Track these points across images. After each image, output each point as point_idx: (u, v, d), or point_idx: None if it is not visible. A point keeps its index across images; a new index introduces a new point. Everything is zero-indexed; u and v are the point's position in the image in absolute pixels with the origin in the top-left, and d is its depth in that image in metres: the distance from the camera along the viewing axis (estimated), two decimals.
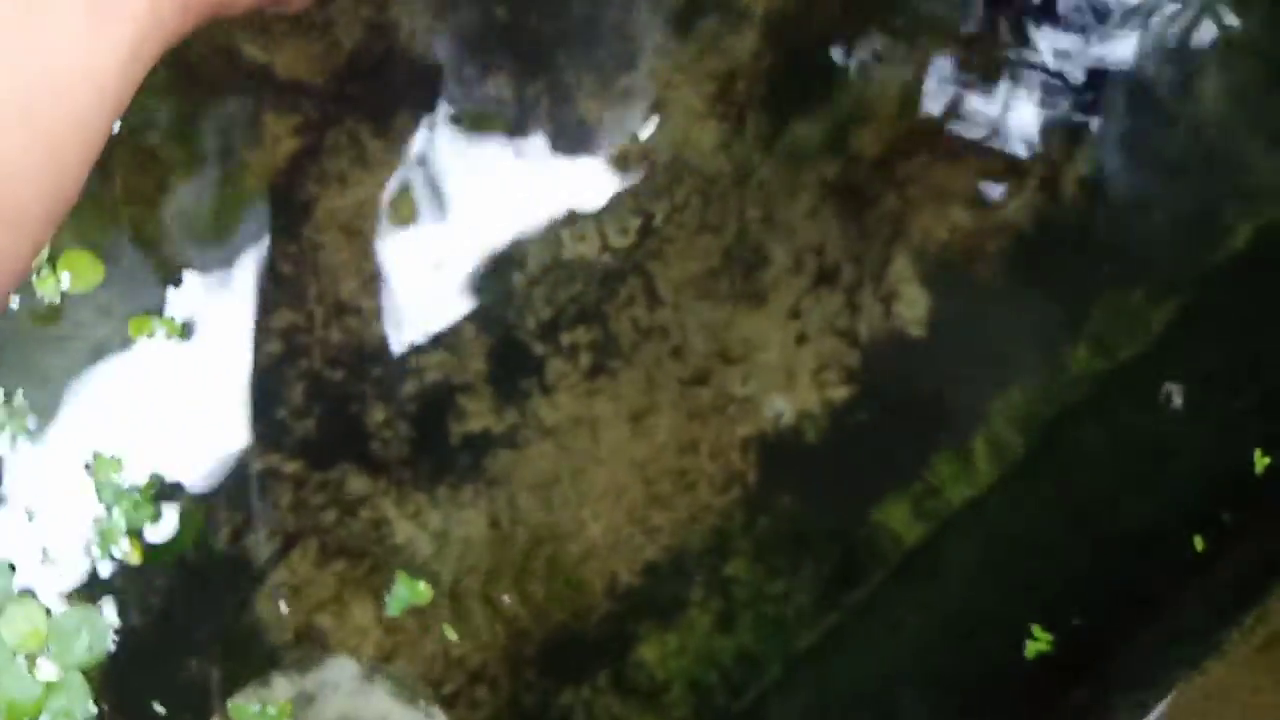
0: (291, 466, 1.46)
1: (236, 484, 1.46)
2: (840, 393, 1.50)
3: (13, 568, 1.42)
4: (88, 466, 1.46)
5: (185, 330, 1.47)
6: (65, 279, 1.45)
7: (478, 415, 1.48)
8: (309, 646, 1.43)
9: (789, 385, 1.51)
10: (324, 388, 1.47)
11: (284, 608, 1.44)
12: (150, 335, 1.46)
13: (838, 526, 1.47)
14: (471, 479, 1.47)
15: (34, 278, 1.45)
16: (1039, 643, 1.45)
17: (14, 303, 1.45)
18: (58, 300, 1.46)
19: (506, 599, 1.43)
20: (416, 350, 1.49)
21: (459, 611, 1.45)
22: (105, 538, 1.44)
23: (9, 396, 1.45)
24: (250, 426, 1.45)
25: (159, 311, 1.47)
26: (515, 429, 1.48)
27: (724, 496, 1.48)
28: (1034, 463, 1.46)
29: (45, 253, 1.44)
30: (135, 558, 1.45)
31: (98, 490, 1.45)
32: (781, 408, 1.50)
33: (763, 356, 1.52)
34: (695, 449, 1.49)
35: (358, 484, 1.46)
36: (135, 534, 1.45)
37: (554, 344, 1.49)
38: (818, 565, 1.45)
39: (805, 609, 1.44)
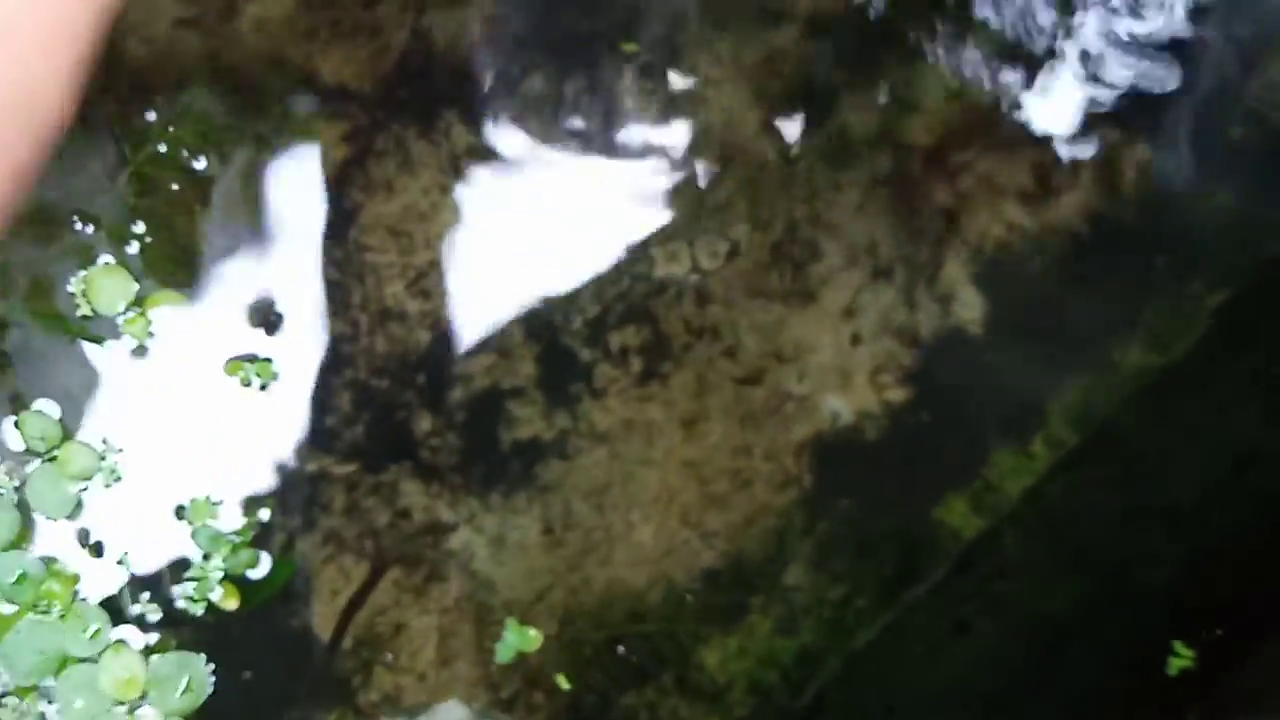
0: (343, 469, 1.45)
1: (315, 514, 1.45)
2: (898, 394, 1.48)
3: (109, 615, 1.38)
4: (181, 510, 1.42)
5: (275, 373, 1.44)
6: (154, 319, 1.43)
7: (528, 422, 1.46)
8: (369, 654, 1.42)
9: (845, 386, 1.49)
10: (371, 396, 1.46)
11: (389, 658, 1.44)
12: (244, 378, 1.43)
13: (897, 527, 1.45)
14: (524, 486, 1.45)
15: (121, 320, 1.42)
16: (1182, 659, 1.42)
17: (105, 345, 1.42)
18: (147, 341, 1.43)
19: (621, 649, 1.44)
20: (464, 356, 1.47)
21: (517, 616, 1.44)
22: (201, 584, 1.40)
23: (100, 440, 1.41)
24: (305, 436, 1.44)
25: (244, 352, 1.43)
26: (566, 435, 1.46)
27: (781, 497, 1.46)
28: (1090, 458, 1.45)
29: (134, 293, 1.43)
30: (232, 602, 1.41)
31: (194, 535, 1.41)
32: (839, 408, 1.49)
33: (817, 357, 1.50)
34: (749, 451, 1.47)
35: (410, 488, 1.45)
36: (232, 579, 1.41)
37: (603, 347, 1.48)
38: (878, 566, 1.43)
39: (865, 608, 1.43)
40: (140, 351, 1.44)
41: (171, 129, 1.44)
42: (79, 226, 1.42)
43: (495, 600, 1.44)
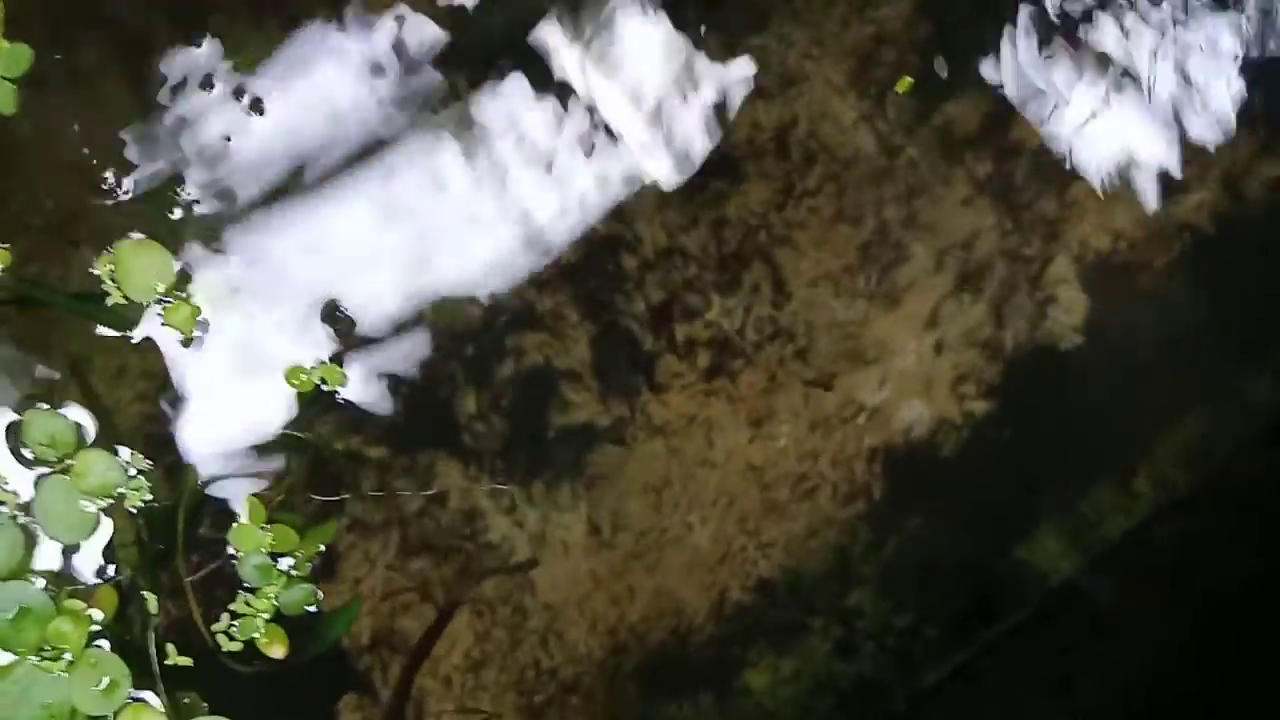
0: (376, 451, 1.34)
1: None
2: (981, 406, 1.36)
3: (129, 665, 1.17)
4: (225, 535, 1.25)
5: (346, 378, 1.29)
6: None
7: (581, 407, 1.35)
8: (386, 651, 1.32)
9: (924, 394, 1.37)
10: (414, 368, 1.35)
11: None
12: (305, 383, 1.26)
13: (974, 556, 1.34)
14: (571, 477, 1.35)
15: (159, 308, 1.24)
16: None
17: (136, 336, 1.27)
18: (193, 332, 1.25)
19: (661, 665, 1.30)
20: (516, 329, 1.36)
21: (554, 621, 1.34)
22: (245, 623, 1.23)
23: (132, 461, 1.22)
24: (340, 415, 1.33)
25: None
26: (622, 424, 1.35)
27: (847, 510, 1.35)
28: (1206, 502, 1.32)
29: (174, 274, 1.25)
30: (279, 649, 1.24)
31: (240, 565, 1.23)
32: (914, 418, 1.38)
33: (896, 363, 1.38)
34: (816, 457, 1.36)
35: (448, 471, 1.35)
36: (282, 619, 1.24)
37: (668, 338, 1.37)
38: (951, 598, 1.32)
39: (935, 642, 1.32)
40: (186, 344, 1.25)
41: None
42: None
43: (533, 603, 1.34)
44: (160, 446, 1.26)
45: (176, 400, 1.27)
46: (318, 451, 1.30)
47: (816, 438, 1.36)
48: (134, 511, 1.23)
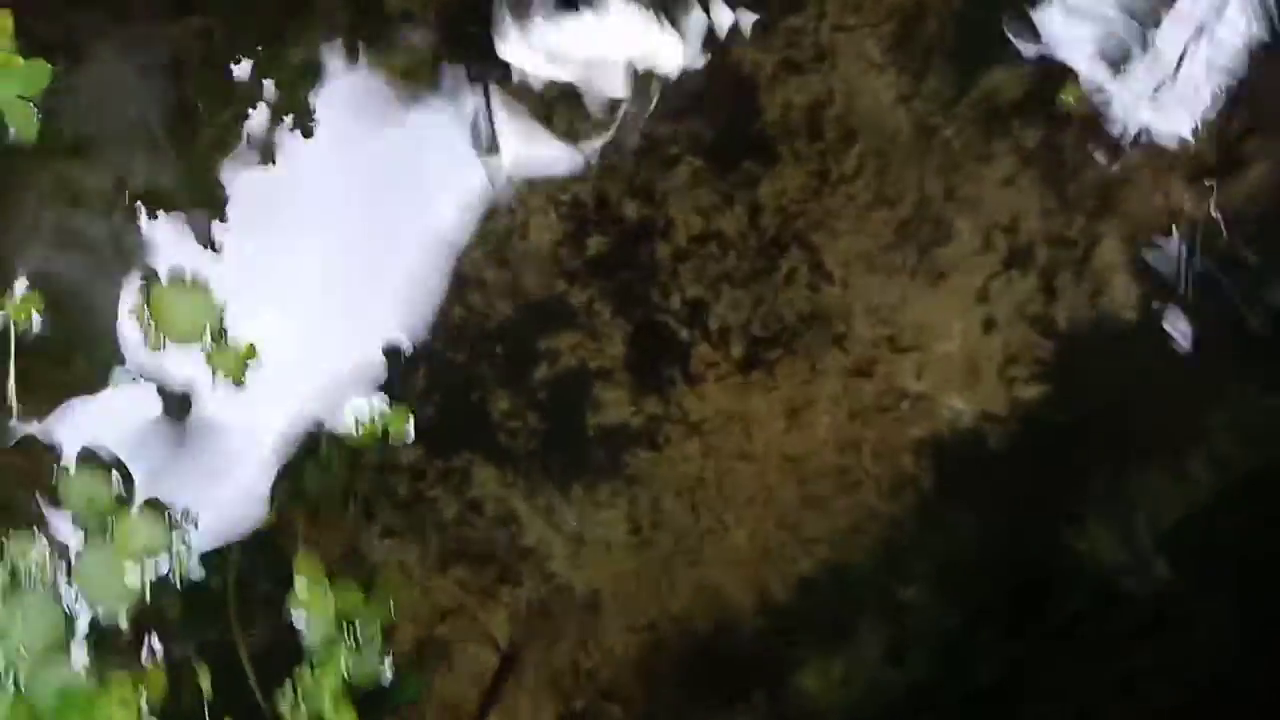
0: (410, 455, 1.31)
1: None
2: (1031, 391, 1.31)
3: None
4: (284, 596, 1.18)
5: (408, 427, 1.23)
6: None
7: (615, 405, 1.32)
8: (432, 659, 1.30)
9: (971, 380, 1.32)
10: (445, 371, 1.32)
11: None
12: (370, 433, 1.20)
13: (1026, 549, 1.29)
14: (609, 476, 1.31)
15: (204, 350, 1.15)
16: None
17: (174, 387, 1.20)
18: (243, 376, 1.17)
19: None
20: (548, 330, 1.32)
21: (592, 623, 1.31)
22: (311, 696, 1.13)
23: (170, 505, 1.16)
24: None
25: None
26: (657, 422, 1.32)
27: (893, 503, 1.31)
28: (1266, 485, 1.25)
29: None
30: None
31: (303, 633, 1.16)
32: (961, 406, 1.32)
33: (941, 346, 1.33)
34: (858, 448, 1.32)
35: (483, 476, 1.32)
36: (349, 692, 1.16)
37: (702, 327, 1.32)
38: (1003, 592, 1.27)
39: (989, 640, 1.27)
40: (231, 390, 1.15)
41: None
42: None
43: (571, 605, 1.31)
44: (208, 502, 1.20)
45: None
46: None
47: (858, 427, 1.31)
48: (179, 575, 1.16)
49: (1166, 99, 1.26)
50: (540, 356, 1.32)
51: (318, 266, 1.25)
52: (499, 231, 1.31)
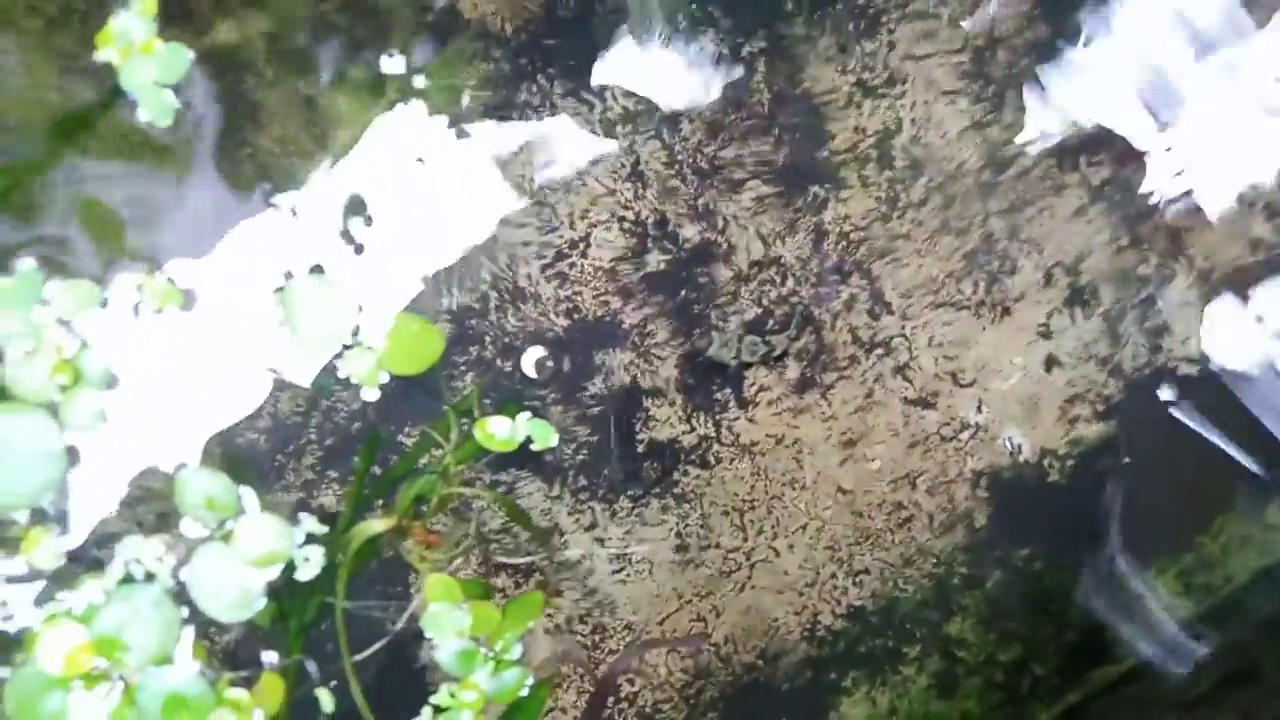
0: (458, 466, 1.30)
1: None
2: (1093, 430, 1.28)
3: None
4: (413, 618, 1.11)
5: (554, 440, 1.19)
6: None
7: (666, 424, 1.30)
8: None
9: (1031, 417, 1.30)
10: (496, 379, 1.31)
11: None
12: (507, 445, 1.15)
13: (1085, 590, 1.26)
14: (657, 493, 1.30)
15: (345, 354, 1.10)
16: None
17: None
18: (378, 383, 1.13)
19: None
20: (601, 347, 1.31)
21: (636, 641, 1.29)
22: (447, 717, 1.09)
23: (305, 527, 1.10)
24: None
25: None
26: (708, 442, 1.30)
27: (946, 539, 1.28)
28: None
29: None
30: None
31: (435, 653, 1.11)
32: (1020, 441, 1.30)
33: (1003, 381, 1.31)
34: (913, 482, 1.30)
35: (529, 488, 1.31)
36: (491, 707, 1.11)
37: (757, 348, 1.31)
38: (1061, 633, 1.23)
39: (1045, 680, 1.23)
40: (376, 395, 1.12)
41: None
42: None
43: (614, 623, 1.30)
44: (327, 513, 1.16)
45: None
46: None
47: (914, 460, 1.29)
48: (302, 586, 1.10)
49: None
50: (595, 371, 1.31)
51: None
52: (558, 245, 1.31)
